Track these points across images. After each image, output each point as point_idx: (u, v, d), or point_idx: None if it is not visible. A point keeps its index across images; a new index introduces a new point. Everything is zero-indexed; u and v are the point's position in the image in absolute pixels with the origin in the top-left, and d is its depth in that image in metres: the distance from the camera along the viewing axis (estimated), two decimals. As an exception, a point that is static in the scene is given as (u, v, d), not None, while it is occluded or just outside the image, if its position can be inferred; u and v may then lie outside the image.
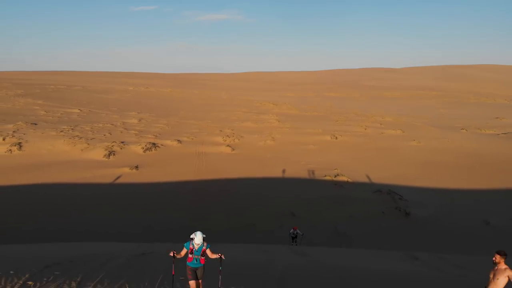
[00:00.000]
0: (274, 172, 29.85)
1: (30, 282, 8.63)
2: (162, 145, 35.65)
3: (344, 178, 28.72)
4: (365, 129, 47.53)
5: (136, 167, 29.21)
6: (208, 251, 7.55)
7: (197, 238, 7.39)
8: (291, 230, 16.86)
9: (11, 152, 32.88)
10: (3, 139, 35.29)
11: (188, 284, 7.61)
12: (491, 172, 32.52)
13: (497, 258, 7.03)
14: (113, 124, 44.29)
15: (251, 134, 42.04)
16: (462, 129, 53.16)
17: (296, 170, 30.49)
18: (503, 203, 26.19)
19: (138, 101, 71.93)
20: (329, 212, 22.88)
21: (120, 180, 26.98)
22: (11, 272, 9.10)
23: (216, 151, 35.15)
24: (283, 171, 30.09)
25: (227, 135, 40.33)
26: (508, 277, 6.88)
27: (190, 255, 7.49)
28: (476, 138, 45.42)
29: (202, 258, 7.51)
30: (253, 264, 9.90)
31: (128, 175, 27.90)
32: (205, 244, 7.49)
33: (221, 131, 43.32)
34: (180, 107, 66.73)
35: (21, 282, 8.60)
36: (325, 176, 28.94)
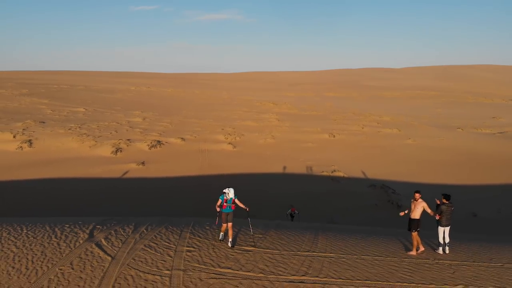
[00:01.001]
0: (274, 168, 31.36)
1: (98, 226, 12.07)
2: (166, 142, 37.20)
3: (341, 174, 30.25)
4: (363, 128, 49.08)
5: (143, 163, 30.78)
6: (236, 200, 11.28)
7: (231, 192, 11.19)
8: (289, 211, 18.55)
9: (22, 149, 34.42)
10: (14, 137, 36.87)
11: (222, 225, 11.50)
12: (483, 169, 33.89)
13: (418, 196, 11.33)
14: (118, 123, 45.91)
15: (251, 132, 43.56)
16: (458, 128, 54.46)
17: (295, 166, 32.01)
18: (493, 198, 27.67)
19: (141, 100, 73.62)
20: (326, 204, 24.45)
21: (128, 175, 28.57)
22: (80, 222, 12.50)
23: (218, 149, 36.64)
24: (283, 167, 31.60)
25: (229, 133, 41.86)
26: (423, 206, 11.19)
27: (224, 204, 11.20)
28: (471, 137, 46.68)
29: (233, 205, 11.23)
30: (256, 223, 13.61)
31: (136, 171, 29.47)
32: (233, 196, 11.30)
33: (222, 129, 44.84)
34: (182, 106, 68.35)
35: (91, 226, 12.20)
36: (323, 172, 30.49)
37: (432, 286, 9.48)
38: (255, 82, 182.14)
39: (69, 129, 40.80)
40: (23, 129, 39.64)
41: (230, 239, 11.11)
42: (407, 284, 9.53)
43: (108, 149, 34.19)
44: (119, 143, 35.65)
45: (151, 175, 28.64)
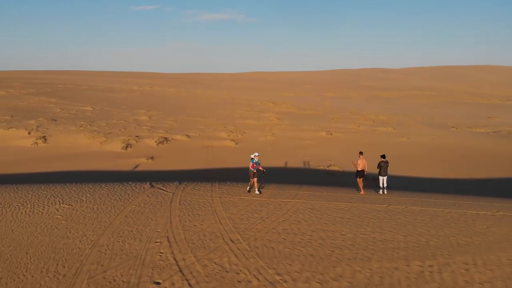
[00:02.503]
0: (274, 163, 33.60)
1: (153, 182, 18.12)
2: (172, 139, 39.48)
3: (336, 168, 32.47)
4: (359, 126, 51.30)
5: (152, 157, 33.05)
6: (259, 165, 17.23)
7: (256, 155, 17.21)
8: None
9: (37, 145, 36.67)
10: (28, 133, 39.12)
11: (250, 180, 17.41)
12: (472, 164, 35.83)
13: (360, 156, 17.26)
14: (126, 121, 48.21)
15: (252, 130, 45.82)
16: (452, 127, 56.31)
17: (293, 161, 34.28)
18: (476, 189, 29.75)
19: (145, 100, 75.90)
20: (321, 195, 26.72)
21: (139, 168, 30.84)
22: (137, 181, 18.18)
23: (222, 145, 38.91)
24: (282, 162, 33.87)
25: (231, 131, 44.13)
26: (363, 162, 17.10)
27: (254, 165, 17.00)
28: (464, 136, 48.52)
29: (259, 166, 17.11)
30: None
31: (145, 164, 31.75)
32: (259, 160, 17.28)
33: (225, 127, 47.08)
34: (185, 105, 70.64)
35: (148, 182, 18.34)
36: (319, 166, 32.72)
37: (368, 205, 15.50)
38: (255, 82, 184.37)
39: (80, 126, 43.06)
40: (37, 126, 41.86)
41: (257, 189, 17.22)
42: (352, 203, 15.64)
43: (118, 145, 36.47)
44: (128, 139, 37.91)
45: (160, 168, 30.93)
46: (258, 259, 9.00)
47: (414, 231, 11.40)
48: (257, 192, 16.92)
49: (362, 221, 12.84)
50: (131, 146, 36.23)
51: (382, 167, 17.97)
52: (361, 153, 18.43)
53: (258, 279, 8.07)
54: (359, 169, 17.97)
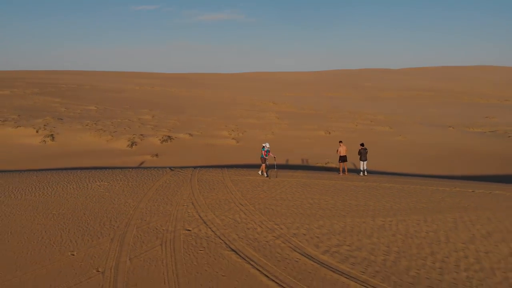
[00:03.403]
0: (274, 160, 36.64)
1: (172, 167, 21.87)
2: (176, 137, 42.59)
3: (333, 165, 35.40)
4: (356, 125, 54.47)
5: (156, 155, 36.00)
6: (270, 152, 20.98)
7: (267, 145, 21.01)
8: None
9: (45, 143, 39.65)
10: (36, 132, 42.16)
11: (261, 165, 21.26)
12: (466, 162, 38.01)
13: (341, 143, 21.83)
14: (130, 120, 51.46)
15: (253, 129, 48.92)
16: (449, 127, 59.07)
17: (292, 159, 37.18)
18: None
19: (147, 99, 79.22)
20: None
21: (144, 165, 33.90)
22: (157, 167, 19.75)
23: (223, 143, 41.91)
24: (282, 160, 36.81)
25: (232, 130, 47.27)
26: (344, 149, 21.77)
27: (264, 152, 20.70)
28: (460, 135, 50.91)
29: (269, 153, 20.83)
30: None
31: (150, 161, 34.69)
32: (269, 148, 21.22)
33: (226, 126, 50.23)
34: (187, 105, 73.95)
35: (167, 168, 22.03)
36: (317, 163, 35.61)
37: (349, 182, 19.43)
38: (255, 82, 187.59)
39: (86, 125, 46.24)
40: (44, 125, 44.95)
41: (260, 171, 21.10)
42: (336, 181, 19.74)
43: (124, 142, 39.53)
44: (133, 137, 41.03)
45: (165, 165, 33.99)
46: (261, 215, 12.39)
47: (382, 199, 15.03)
48: (260, 173, 20.80)
49: (342, 192, 16.87)
50: (136, 144, 39.37)
51: (362, 153, 22.16)
52: (340, 142, 22.98)
53: (261, 227, 11.41)
54: (341, 155, 22.20)
